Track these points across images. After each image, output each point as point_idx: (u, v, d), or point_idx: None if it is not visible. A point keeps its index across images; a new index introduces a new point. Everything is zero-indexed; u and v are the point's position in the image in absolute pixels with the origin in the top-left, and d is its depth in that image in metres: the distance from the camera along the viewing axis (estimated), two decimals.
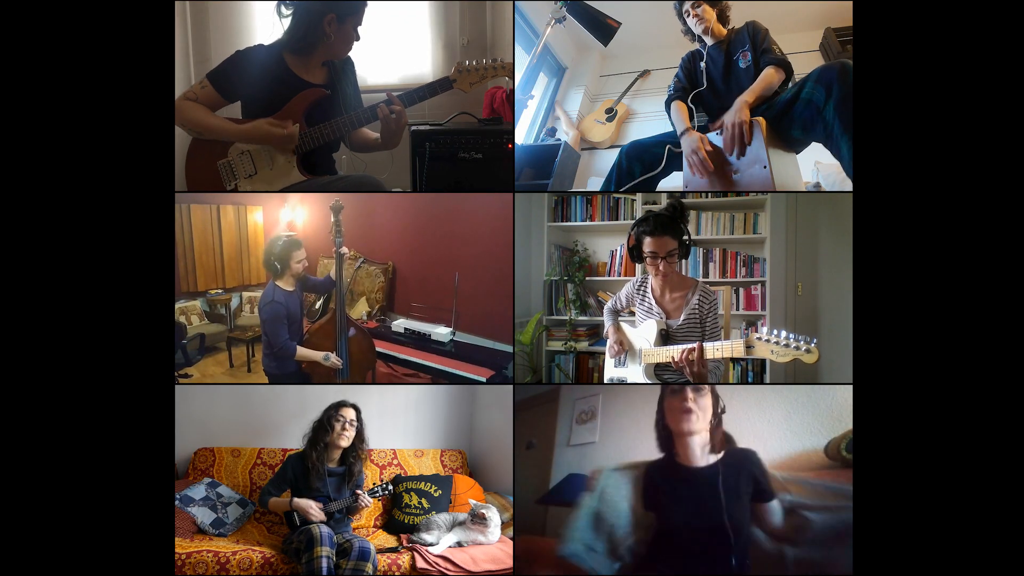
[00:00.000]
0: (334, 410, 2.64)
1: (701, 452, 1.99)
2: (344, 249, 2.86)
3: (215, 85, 2.65)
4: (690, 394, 1.99)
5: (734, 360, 3.61)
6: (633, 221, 2.55)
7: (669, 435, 2.04)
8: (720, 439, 2.00)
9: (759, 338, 2.08)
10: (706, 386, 2.03)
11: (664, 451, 2.06)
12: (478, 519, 2.68)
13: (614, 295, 2.74)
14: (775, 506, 1.99)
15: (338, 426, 2.60)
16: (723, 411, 2.04)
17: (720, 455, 1.99)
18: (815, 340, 2.00)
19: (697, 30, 2.77)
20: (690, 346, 2.26)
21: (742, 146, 2.53)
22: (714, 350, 2.23)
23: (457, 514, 2.83)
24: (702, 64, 2.79)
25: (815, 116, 2.41)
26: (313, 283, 2.96)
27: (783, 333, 2.04)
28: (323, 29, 2.62)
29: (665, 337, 2.45)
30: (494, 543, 2.68)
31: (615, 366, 2.63)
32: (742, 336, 2.18)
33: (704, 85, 2.79)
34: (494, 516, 2.70)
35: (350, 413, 2.63)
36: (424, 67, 3.57)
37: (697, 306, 2.41)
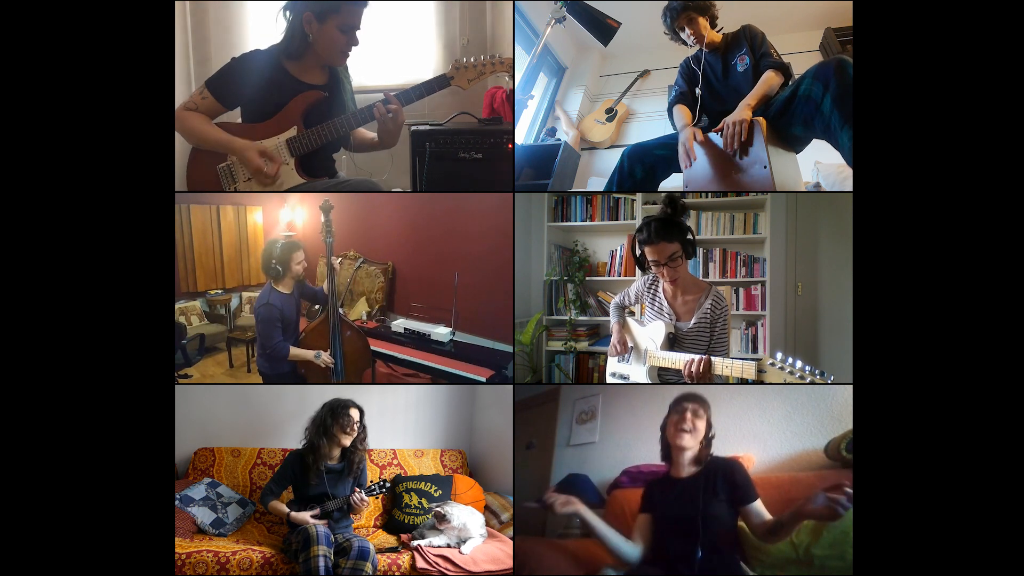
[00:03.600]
0: (341, 411, 2.59)
1: (688, 464, 2.18)
2: (334, 260, 2.86)
3: (214, 94, 2.64)
4: (689, 416, 2.17)
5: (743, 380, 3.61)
6: (633, 222, 2.55)
7: (668, 445, 2.23)
8: (704, 456, 2.19)
9: (772, 363, 2.05)
10: (703, 411, 2.18)
11: (664, 460, 2.26)
12: (440, 518, 2.68)
13: (622, 292, 2.70)
14: (757, 506, 2.07)
15: (344, 425, 2.57)
16: (713, 437, 2.20)
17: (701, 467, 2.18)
18: (832, 376, 1.96)
19: (696, 46, 2.77)
20: (699, 358, 2.23)
21: (742, 145, 2.54)
22: (724, 367, 2.18)
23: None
24: (699, 72, 2.80)
25: (813, 111, 2.42)
26: (310, 292, 2.97)
27: (798, 363, 2.00)
28: (303, 29, 2.60)
29: (672, 340, 2.42)
30: (478, 535, 2.69)
31: (619, 362, 2.62)
32: (742, 337, 2.18)
33: (699, 85, 2.79)
34: (452, 510, 2.69)
35: (356, 414, 2.61)
36: (424, 68, 3.57)
37: (709, 310, 2.37)
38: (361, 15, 2.63)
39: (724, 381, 2.42)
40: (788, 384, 2.03)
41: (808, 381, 1.99)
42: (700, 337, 2.38)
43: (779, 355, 2.06)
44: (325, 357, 2.81)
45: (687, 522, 2.06)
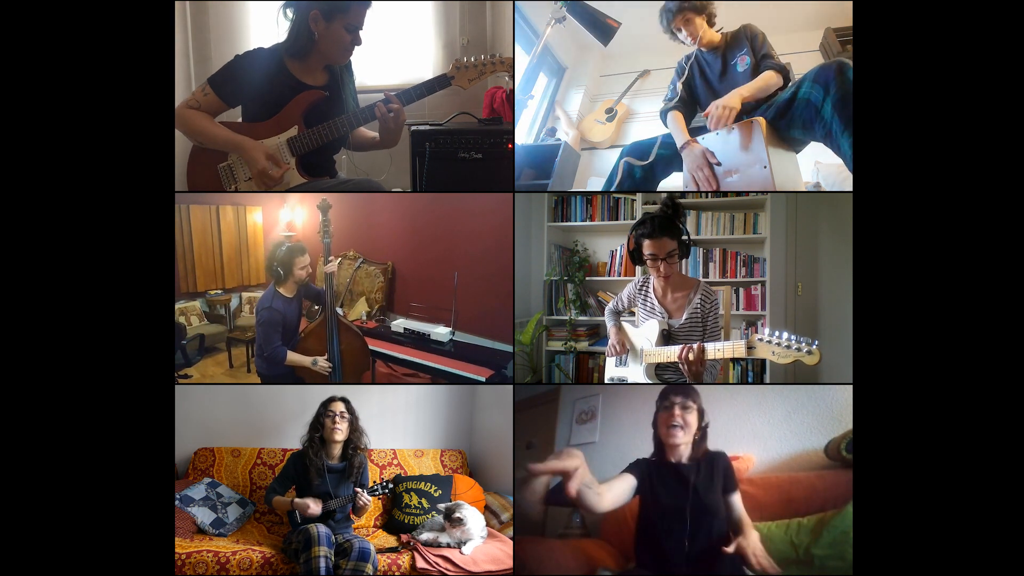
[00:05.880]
0: (323, 407, 2.64)
1: (683, 456, 2.11)
2: (331, 265, 2.86)
3: (216, 91, 2.64)
4: (678, 411, 2.08)
5: (734, 360, 3.62)
6: (633, 222, 2.56)
7: (660, 442, 2.16)
8: (702, 451, 2.11)
9: (760, 339, 2.09)
10: (693, 404, 2.09)
11: (656, 451, 2.19)
12: (455, 521, 2.66)
13: (615, 296, 2.74)
14: (735, 499, 2.07)
15: (328, 421, 2.59)
16: (707, 426, 2.12)
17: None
18: (816, 342, 1.99)
19: (691, 45, 2.77)
20: (692, 345, 2.27)
21: (726, 125, 2.54)
22: (715, 350, 2.23)
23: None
24: (697, 73, 2.79)
25: (814, 115, 2.41)
26: (314, 292, 2.96)
27: (784, 334, 2.04)
28: (309, 27, 2.60)
29: (667, 337, 2.45)
30: (478, 536, 2.68)
31: (616, 365, 2.63)
32: (742, 336, 2.18)
33: (700, 97, 2.78)
34: (468, 514, 2.69)
35: (339, 406, 2.62)
36: (424, 68, 3.57)
37: (699, 305, 2.41)
38: (365, 15, 2.64)
39: (715, 367, 2.42)
40: (787, 383, 2.04)
41: (795, 349, 2.02)
42: (693, 332, 2.42)
43: (766, 330, 2.10)
44: (323, 363, 2.80)
45: (679, 511, 2.02)
